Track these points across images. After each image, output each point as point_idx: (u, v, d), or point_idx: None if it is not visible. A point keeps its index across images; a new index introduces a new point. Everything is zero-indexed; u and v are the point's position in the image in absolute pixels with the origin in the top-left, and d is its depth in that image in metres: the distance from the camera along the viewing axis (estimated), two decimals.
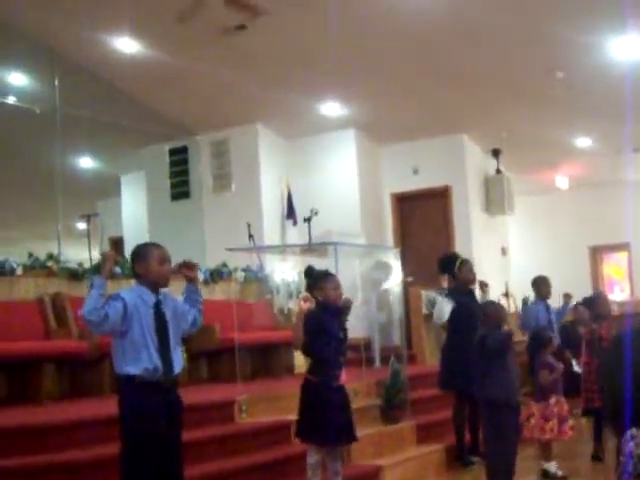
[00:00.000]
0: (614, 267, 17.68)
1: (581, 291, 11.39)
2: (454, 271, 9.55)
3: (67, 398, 9.56)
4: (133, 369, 5.31)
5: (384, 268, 12.22)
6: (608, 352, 2.68)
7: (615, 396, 2.57)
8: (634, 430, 2.49)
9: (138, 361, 5.32)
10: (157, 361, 5.36)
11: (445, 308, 9.38)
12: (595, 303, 9.86)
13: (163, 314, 5.52)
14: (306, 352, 7.21)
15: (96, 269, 10.76)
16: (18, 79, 13.04)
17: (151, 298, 5.49)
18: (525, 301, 11.31)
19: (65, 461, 6.44)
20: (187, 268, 5.73)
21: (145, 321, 5.39)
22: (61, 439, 6.73)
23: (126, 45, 11.85)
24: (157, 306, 5.49)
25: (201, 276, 12.11)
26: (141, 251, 5.64)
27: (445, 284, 9.87)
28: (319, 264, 7.90)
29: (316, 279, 7.26)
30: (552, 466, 8.46)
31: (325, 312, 7.11)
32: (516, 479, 7.63)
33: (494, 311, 7.80)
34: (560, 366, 8.70)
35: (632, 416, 2.51)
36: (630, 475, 2.45)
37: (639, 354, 2.55)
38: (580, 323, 10.03)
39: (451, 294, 9.51)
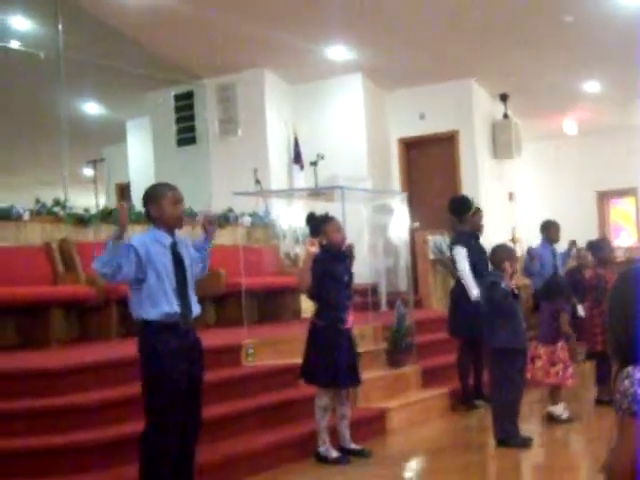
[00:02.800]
0: (621, 212, 17.65)
1: (588, 236, 11.40)
2: (467, 215, 9.54)
3: (75, 342, 9.65)
4: (152, 314, 5.31)
5: (387, 211, 12.21)
6: (615, 288, 2.70)
7: (620, 329, 2.61)
8: (630, 369, 2.52)
9: (157, 306, 5.30)
10: (175, 305, 5.36)
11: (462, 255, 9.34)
12: (599, 248, 9.91)
13: (180, 256, 5.50)
14: (312, 296, 7.25)
15: (103, 215, 10.82)
16: (21, 23, 12.95)
17: (167, 239, 5.45)
18: (529, 251, 11.27)
19: (78, 403, 6.52)
20: (210, 223, 5.73)
21: (162, 264, 5.35)
22: (72, 382, 6.79)
23: None
24: (174, 247, 5.46)
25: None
26: (154, 192, 5.58)
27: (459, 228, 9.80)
28: (326, 208, 7.90)
29: (318, 224, 7.27)
30: (558, 408, 8.51)
31: (330, 256, 7.17)
32: (521, 422, 7.70)
33: (502, 254, 7.80)
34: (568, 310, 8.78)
35: (631, 352, 2.54)
36: (624, 412, 2.49)
37: None
38: (584, 267, 10.05)
39: (460, 239, 9.49)
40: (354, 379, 7.30)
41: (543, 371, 8.40)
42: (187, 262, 5.54)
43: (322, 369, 7.04)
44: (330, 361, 7.03)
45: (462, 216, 9.57)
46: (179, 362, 5.32)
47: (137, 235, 5.58)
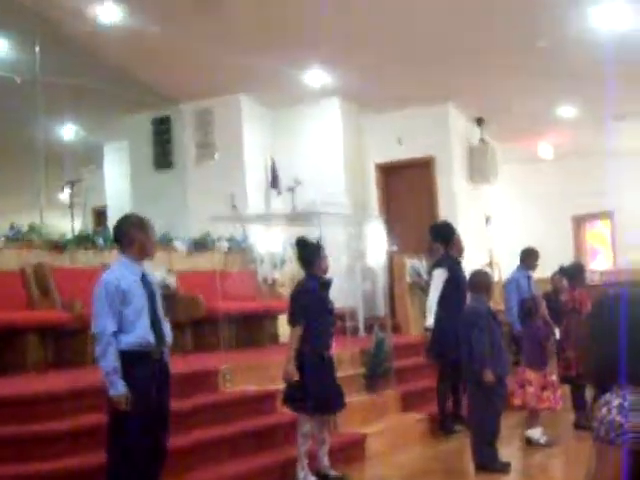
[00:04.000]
0: (597, 236, 17.74)
1: (564, 259, 11.43)
2: (450, 240, 9.56)
3: (51, 368, 9.55)
4: (126, 343, 5.32)
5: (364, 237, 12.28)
6: (592, 314, 2.71)
7: (598, 356, 2.61)
8: (608, 396, 2.52)
9: (131, 335, 5.34)
10: (149, 333, 5.39)
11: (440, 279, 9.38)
12: (573, 272, 10.00)
13: (151, 285, 5.55)
14: (301, 323, 7.17)
15: (79, 240, 10.76)
16: None
17: (138, 270, 5.50)
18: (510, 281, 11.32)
19: (51, 430, 6.44)
20: None
21: (135, 295, 5.40)
22: (47, 409, 6.71)
23: (109, 12, 11.71)
24: (144, 278, 5.51)
25: (184, 247, 12.10)
26: (128, 223, 5.62)
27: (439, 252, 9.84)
28: (303, 233, 7.90)
29: (311, 255, 7.30)
30: (536, 432, 8.52)
31: (319, 285, 7.21)
32: (500, 447, 7.69)
33: (483, 280, 7.84)
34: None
35: (610, 376, 2.55)
36: (602, 440, 2.48)
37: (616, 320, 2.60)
38: (559, 292, 10.11)
39: (443, 263, 9.50)
40: (342, 403, 7.31)
41: (535, 397, 8.41)
42: (156, 290, 5.58)
43: (312, 396, 7.01)
44: (319, 387, 7.03)
45: (447, 241, 9.59)
46: (149, 391, 5.35)
47: (111, 272, 5.56)
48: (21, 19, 12.15)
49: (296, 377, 6.96)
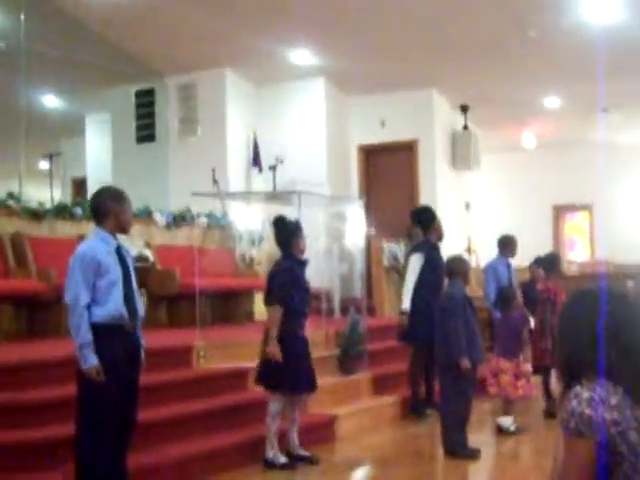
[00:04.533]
0: (576, 227, 17.83)
1: (542, 249, 11.48)
2: (430, 225, 9.57)
3: (24, 338, 9.52)
4: (99, 317, 5.31)
5: (343, 217, 12.29)
6: (567, 307, 2.73)
7: (570, 348, 2.63)
8: (578, 388, 2.53)
9: (104, 308, 5.33)
10: (122, 307, 5.39)
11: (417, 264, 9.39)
12: (549, 262, 10.06)
13: (125, 258, 5.55)
14: (278, 303, 7.16)
15: (58, 210, 10.70)
16: None
17: (113, 243, 5.50)
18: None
19: (20, 400, 6.42)
20: None
21: (110, 267, 5.39)
22: (18, 378, 6.69)
23: None
24: (119, 251, 5.51)
25: (163, 220, 12.07)
26: (104, 195, 5.62)
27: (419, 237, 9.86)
28: (283, 212, 7.88)
29: (288, 235, 7.29)
30: (507, 420, 8.57)
31: (295, 264, 7.22)
32: (470, 433, 7.73)
33: (460, 266, 7.86)
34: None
35: (580, 369, 2.57)
36: (571, 432, 2.50)
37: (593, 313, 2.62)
38: (537, 282, 10.17)
39: (421, 248, 9.51)
40: (313, 385, 7.32)
41: (511, 386, 8.45)
42: (130, 264, 5.58)
43: (285, 375, 7.02)
44: (293, 367, 7.04)
45: (428, 226, 9.59)
46: (120, 365, 5.35)
47: (86, 243, 5.54)
48: None
49: (279, 357, 6.96)
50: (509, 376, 8.46)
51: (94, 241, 5.52)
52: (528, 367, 8.62)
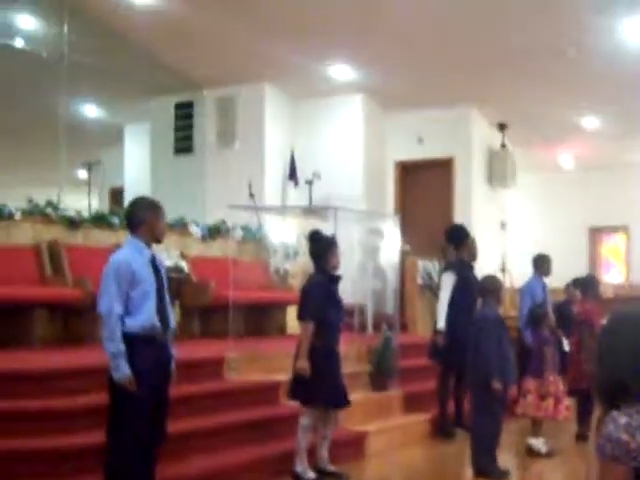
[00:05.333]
0: (612, 249, 17.66)
1: (577, 270, 11.40)
2: (463, 243, 9.53)
3: (58, 344, 9.58)
4: (131, 326, 5.31)
5: (377, 235, 12.28)
6: (605, 330, 2.70)
7: (609, 372, 2.60)
8: (615, 413, 2.51)
9: (136, 318, 5.33)
10: (155, 318, 5.38)
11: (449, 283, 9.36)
12: (587, 284, 9.96)
13: (159, 269, 5.54)
14: (313, 318, 7.14)
15: (95, 218, 10.79)
16: (27, 22, 12.92)
17: (147, 253, 5.49)
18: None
19: (52, 407, 6.46)
20: None
21: (144, 278, 5.38)
22: (51, 385, 6.73)
23: None
24: (153, 262, 5.50)
25: (199, 232, 12.12)
26: (139, 205, 5.62)
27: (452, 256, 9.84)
28: (318, 227, 7.89)
29: (323, 249, 7.28)
30: (538, 442, 8.50)
31: (328, 279, 7.21)
32: (500, 453, 7.68)
33: (493, 285, 7.81)
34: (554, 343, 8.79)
35: (619, 394, 2.54)
36: (607, 457, 2.47)
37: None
38: (572, 302, 10.08)
39: (453, 266, 9.48)
40: (345, 400, 7.31)
41: (534, 406, 8.40)
42: (163, 275, 5.57)
43: (321, 390, 7.01)
44: (325, 382, 7.03)
45: (460, 245, 9.56)
46: (151, 375, 5.34)
47: (121, 253, 5.55)
48: None
49: (308, 373, 6.95)
50: (533, 396, 8.42)
51: (129, 251, 5.51)
52: (557, 388, 8.52)
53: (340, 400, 7.25)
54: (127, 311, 5.33)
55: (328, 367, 7.07)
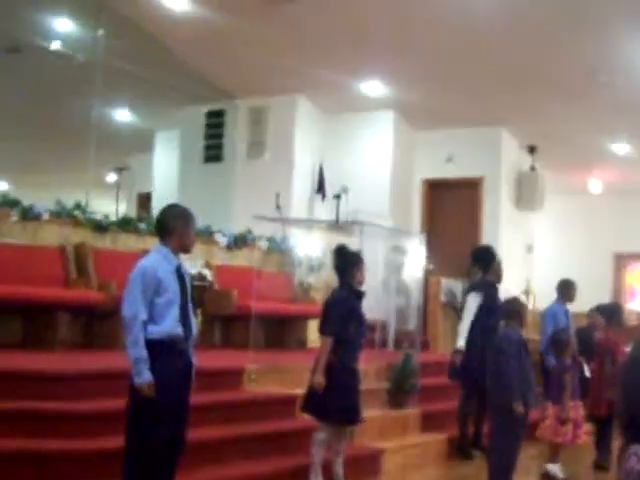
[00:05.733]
0: (637, 276, 17.55)
1: (601, 297, 11.33)
2: (490, 265, 9.51)
3: (81, 348, 9.63)
4: (153, 333, 5.32)
5: (401, 253, 12.27)
6: (631, 360, 2.67)
7: (633, 402, 2.58)
8: (636, 447, 2.49)
9: (159, 326, 5.34)
10: (177, 325, 5.39)
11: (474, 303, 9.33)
12: (611, 311, 9.89)
13: (184, 278, 5.55)
14: (332, 334, 7.13)
15: (122, 223, 10.85)
16: (63, 25, 13.02)
17: (174, 262, 5.50)
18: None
19: (71, 410, 6.48)
20: None
21: (170, 285, 5.39)
22: (73, 388, 6.76)
23: (176, 2, 11.81)
24: (179, 270, 5.52)
25: (224, 240, 12.15)
26: (171, 213, 5.62)
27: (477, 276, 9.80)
28: (344, 242, 7.87)
29: (349, 264, 7.26)
30: (555, 467, 8.46)
31: (353, 295, 7.19)
32: (516, 477, 7.63)
33: (517, 308, 7.78)
34: (576, 368, 8.74)
35: None
36: None
37: None
38: (594, 328, 10.02)
39: (479, 287, 9.45)
40: (358, 417, 7.28)
41: (551, 431, 8.36)
42: (188, 283, 5.58)
43: (336, 406, 7.00)
44: (339, 399, 7.01)
45: (487, 266, 9.53)
46: (172, 383, 5.35)
47: (148, 259, 5.54)
48: (88, 1, 12.28)
49: (322, 388, 6.94)
50: (551, 420, 8.39)
51: (156, 257, 5.51)
52: (577, 413, 8.46)
53: (352, 416, 7.22)
54: (150, 317, 5.33)
55: (342, 383, 7.04)
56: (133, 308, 5.29)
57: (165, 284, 5.37)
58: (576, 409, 8.46)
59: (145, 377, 5.24)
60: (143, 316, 5.28)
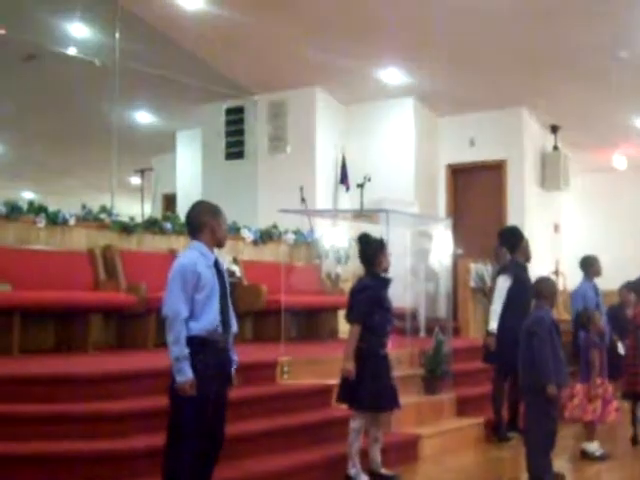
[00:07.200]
0: None
1: (633, 273, 11.24)
2: (518, 245, 9.46)
3: (112, 349, 9.70)
4: (195, 330, 5.32)
5: (428, 238, 12.24)
6: None
7: None
8: None
9: (199, 322, 5.33)
10: (217, 321, 5.39)
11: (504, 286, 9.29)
12: None
13: (222, 273, 5.54)
14: (359, 321, 7.14)
15: (148, 224, 10.90)
16: (80, 30, 13.09)
17: (211, 256, 5.49)
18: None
19: (108, 411, 6.52)
20: None
21: (209, 281, 5.39)
22: (104, 389, 6.81)
23: (189, 0, 11.84)
24: (217, 264, 5.50)
25: (251, 236, 12.18)
26: (200, 209, 5.61)
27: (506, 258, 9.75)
28: (370, 231, 7.85)
29: (373, 252, 7.26)
30: (592, 446, 8.42)
31: (378, 282, 7.19)
32: (554, 457, 7.60)
33: (548, 288, 7.74)
34: (604, 346, 8.68)
35: None
36: None
37: None
38: (626, 305, 9.95)
39: (509, 269, 9.40)
40: (393, 403, 7.27)
41: (580, 409, 8.34)
42: (226, 278, 5.57)
43: (367, 393, 7.00)
44: (375, 385, 7.01)
45: (515, 247, 9.48)
46: (213, 381, 5.34)
47: (186, 256, 5.52)
48: (103, 5, 12.33)
49: (354, 375, 6.95)
50: (579, 399, 8.35)
51: (193, 254, 5.47)
52: (606, 391, 8.41)
53: (386, 403, 7.21)
54: (191, 314, 5.33)
55: (372, 371, 7.03)
56: (174, 306, 5.28)
57: (204, 280, 5.35)
58: (604, 387, 8.42)
59: (187, 375, 5.24)
60: (185, 313, 5.27)
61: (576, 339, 9.77)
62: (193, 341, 5.30)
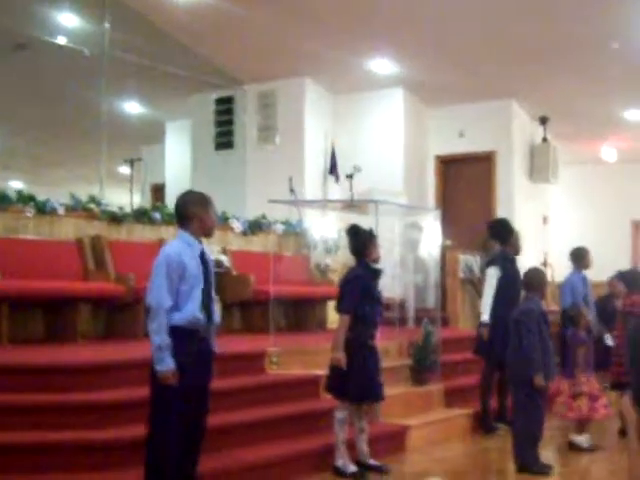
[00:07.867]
0: None
1: (620, 265, 11.29)
2: (508, 239, 9.45)
3: (101, 339, 9.69)
4: (175, 319, 5.32)
5: (417, 229, 12.25)
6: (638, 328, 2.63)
7: None
8: None
9: (182, 312, 5.33)
10: (200, 312, 5.39)
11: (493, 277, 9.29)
12: (634, 278, 9.83)
13: (208, 263, 5.54)
14: (350, 312, 7.14)
15: (137, 214, 10.87)
16: (68, 20, 13.04)
17: (197, 247, 5.48)
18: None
19: (96, 400, 6.52)
20: None
21: (193, 271, 5.38)
22: (93, 379, 6.80)
23: None
24: (203, 255, 5.50)
25: (240, 226, 12.17)
26: (189, 199, 5.60)
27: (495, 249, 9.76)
28: (359, 221, 7.86)
29: (363, 243, 7.26)
30: (580, 438, 8.44)
31: (368, 273, 7.19)
32: (542, 449, 7.63)
33: (537, 279, 7.76)
34: (591, 342, 8.70)
35: None
36: None
37: None
38: (615, 296, 9.97)
39: (498, 261, 9.41)
40: (378, 395, 7.28)
41: (565, 406, 8.35)
42: (211, 269, 5.57)
43: (351, 384, 7.01)
44: (358, 376, 7.02)
45: (505, 239, 9.47)
46: (193, 369, 5.35)
47: (172, 246, 5.52)
48: None
49: (344, 364, 6.95)
50: (564, 396, 8.37)
51: (180, 244, 5.47)
52: (592, 387, 8.40)
53: (371, 394, 7.22)
54: (174, 304, 5.33)
55: (360, 362, 7.04)
56: (158, 295, 5.28)
57: (189, 270, 5.35)
58: (590, 383, 8.41)
59: (168, 364, 5.25)
60: (168, 303, 5.27)
61: (564, 334, 9.81)
62: (175, 331, 5.30)
